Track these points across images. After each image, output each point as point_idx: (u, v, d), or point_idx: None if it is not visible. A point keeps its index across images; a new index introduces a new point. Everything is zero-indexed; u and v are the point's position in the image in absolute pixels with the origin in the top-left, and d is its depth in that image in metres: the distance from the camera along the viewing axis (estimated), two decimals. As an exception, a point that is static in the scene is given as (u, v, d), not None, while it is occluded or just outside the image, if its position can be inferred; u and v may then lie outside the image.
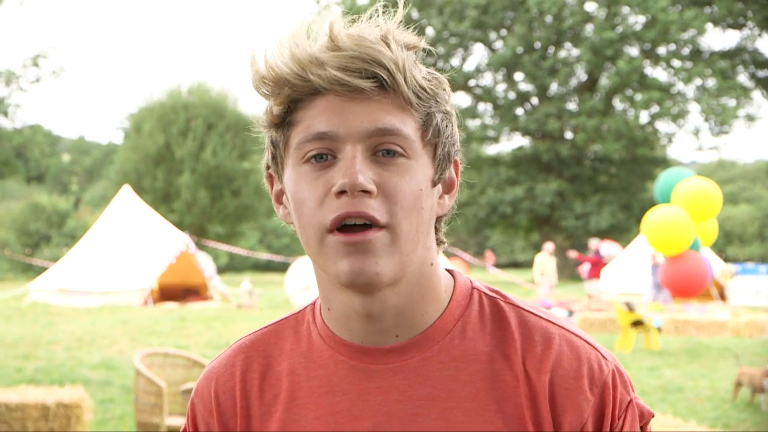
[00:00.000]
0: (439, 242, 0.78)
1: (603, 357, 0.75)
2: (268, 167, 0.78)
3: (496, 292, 0.79)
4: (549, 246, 15.05)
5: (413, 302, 0.75)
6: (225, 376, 0.80)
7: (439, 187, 0.76)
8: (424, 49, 0.74)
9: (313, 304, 0.82)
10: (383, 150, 0.71)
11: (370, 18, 0.73)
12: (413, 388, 0.74)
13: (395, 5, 0.74)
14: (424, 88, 0.73)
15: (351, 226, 0.70)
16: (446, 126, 0.75)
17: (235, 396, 0.79)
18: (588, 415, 0.73)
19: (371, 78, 0.71)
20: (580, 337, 0.75)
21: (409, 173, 0.72)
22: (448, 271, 0.80)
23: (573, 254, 15.16)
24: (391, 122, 0.71)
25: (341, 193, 0.70)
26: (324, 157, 0.72)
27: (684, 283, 7.20)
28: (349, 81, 0.70)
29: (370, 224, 0.70)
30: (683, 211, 6.94)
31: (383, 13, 0.73)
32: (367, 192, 0.70)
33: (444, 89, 0.75)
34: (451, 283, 0.79)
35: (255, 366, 0.80)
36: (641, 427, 0.76)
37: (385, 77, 0.71)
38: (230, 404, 0.79)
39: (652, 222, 7.08)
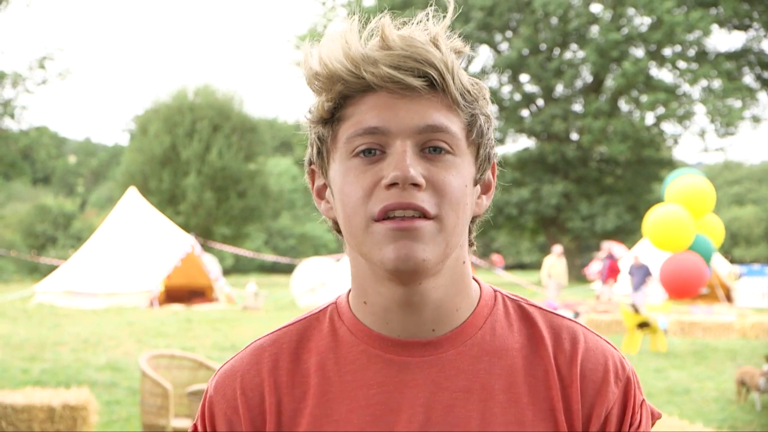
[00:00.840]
0: (470, 243, 0.80)
1: (622, 357, 0.79)
2: (310, 163, 0.80)
3: (516, 295, 0.83)
4: (557, 248, 14.95)
5: (450, 297, 0.77)
6: (251, 373, 0.80)
7: (478, 187, 0.79)
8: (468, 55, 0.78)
9: (335, 303, 0.82)
10: (431, 147, 0.74)
11: (419, 22, 0.75)
12: (449, 381, 0.76)
13: (444, 10, 0.76)
14: (469, 91, 0.76)
15: (398, 216, 0.72)
16: (488, 128, 0.78)
17: (263, 392, 0.79)
18: (612, 406, 0.76)
19: (422, 77, 0.73)
20: (600, 337, 0.80)
21: (455, 169, 0.74)
22: (472, 277, 0.82)
23: (598, 268, 14.82)
24: (440, 120, 0.74)
25: (392, 185, 0.72)
26: (373, 152, 0.74)
27: (680, 284, 7.22)
28: (402, 78, 0.72)
29: (419, 215, 0.72)
30: (684, 209, 6.96)
31: (432, 17, 0.76)
32: (416, 185, 0.72)
33: (485, 96, 0.78)
34: (477, 285, 0.82)
35: (282, 363, 0.80)
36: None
37: (435, 77, 0.73)
38: (258, 401, 0.79)
39: (653, 221, 7.10)
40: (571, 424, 0.75)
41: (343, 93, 0.75)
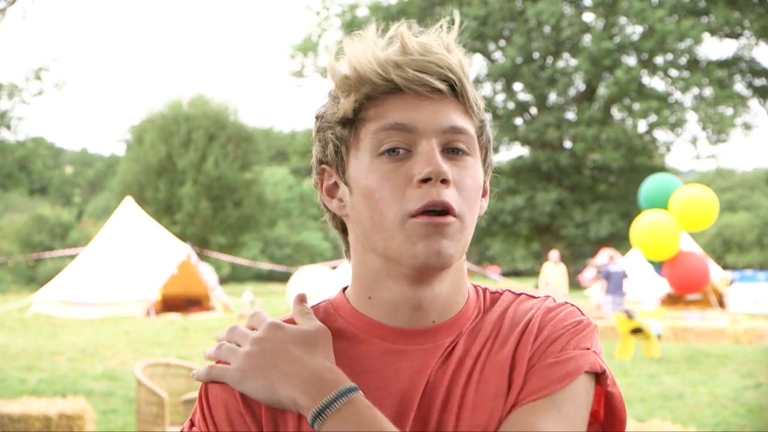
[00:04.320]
0: None
1: (583, 312, 0.83)
2: (321, 162, 0.82)
3: (487, 287, 0.88)
4: (553, 254, 14.86)
5: (452, 293, 0.81)
6: None
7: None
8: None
9: (329, 301, 0.85)
10: (452, 147, 0.78)
11: (434, 32, 0.80)
12: (443, 367, 0.79)
13: (452, 22, 0.81)
14: (476, 98, 0.81)
15: (432, 212, 0.76)
16: (492, 137, 0.84)
17: None
18: (556, 333, 0.79)
19: (444, 81, 0.78)
20: (572, 305, 0.84)
21: (473, 169, 0.79)
22: None
23: (591, 273, 14.63)
24: (460, 122, 0.78)
25: (424, 181, 0.75)
26: (398, 150, 0.77)
27: (687, 280, 7.19)
28: (429, 81, 0.77)
29: (446, 212, 0.76)
30: (670, 217, 6.97)
31: (443, 27, 0.80)
32: (446, 182, 0.76)
33: (483, 110, 0.83)
34: None
35: None
36: (599, 383, 0.79)
37: (455, 82, 0.78)
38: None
39: (640, 228, 7.09)
40: (521, 365, 0.78)
41: (368, 94, 0.78)
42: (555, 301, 0.83)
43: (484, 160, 0.82)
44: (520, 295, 0.85)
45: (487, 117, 0.84)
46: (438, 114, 0.77)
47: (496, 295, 0.85)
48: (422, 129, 0.77)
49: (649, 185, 7.65)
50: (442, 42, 0.79)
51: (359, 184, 0.78)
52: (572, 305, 0.83)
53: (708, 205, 7.13)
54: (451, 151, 0.78)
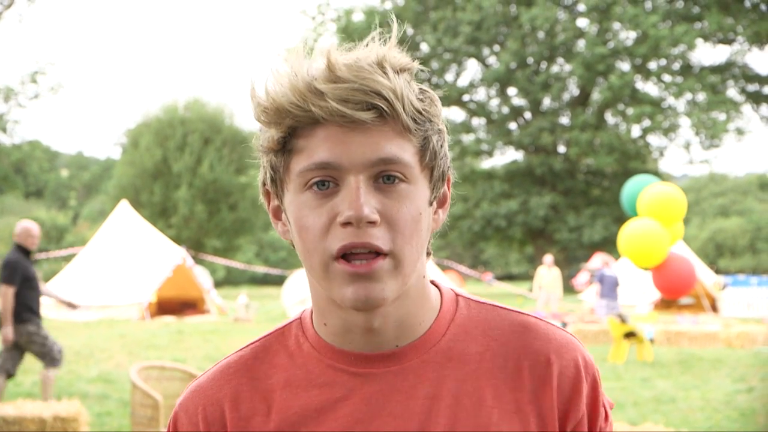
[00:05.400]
0: (427, 254, 0.80)
1: (584, 348, 0.82)
2: (264, 184, 0.79)
3: (478, 298, 0.83)
4: (547, 258, 14.89)
5: (412, 313, 0.77)
6: (213, 389, 0.80)
7: (434, 203, 0.78)
8: (418, 69, 0.76)
9: (299, 319, 0.83)
10: (384, 176, 0.73)
11: (366, 45, 0.74)
12: (414, 389, 0.76)
13: (390, 25, 0.75)
14: (420, 111, 0.74)
15: (356, 254, 0.72)
16: (441, 146, 0.76)
17: (224, 407, 0.79)
18: (586, 398, 0.79)
19: (371, 109, 0.72)
20: (565, 331, 0.81)
21: (409, 199, 0.73)
22: (431, 282, 0.82)
23: (585, 277, 14.64)
24: (392, 151, 0.72)
25: (347, 224, 0.71)
26: (327, 184, 0.73)
27: (673, 284, 7.22)
28: (351, 114, 0.71)
29: (374, 252, 0.72)
30: (658, 224, 6.93)
31: (379, 33, 0.74)
32: (371, 222, 0.71)
33: (436, 106, 0.76)
34: (438, 292, 0.81)
35: (244, 380, 0.80)
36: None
37: (384, 107, 0.72)
38: (219, 415, 0.79)
39: (627, 236, 7.06)
40: (544, 421, 0.76)
41: (292, 126, 0.73)
42: (559, 331, 0.80)
43: (431, 177, 0.76)
44: (516, 314, 0.81)
45: (443, 120, 0.77)
46: (365, 146, 0.72)
47: (482, 310, 0.81)
48: (348, 165, 0.72)
49: (628, 188, 7.66)
50: (377, 55, 0.72)
51: (292, 216, 0.75)
52: (573, 337, 0.81)
53: (674, 202, 7.05)
54: (386, 180, 0.73)
